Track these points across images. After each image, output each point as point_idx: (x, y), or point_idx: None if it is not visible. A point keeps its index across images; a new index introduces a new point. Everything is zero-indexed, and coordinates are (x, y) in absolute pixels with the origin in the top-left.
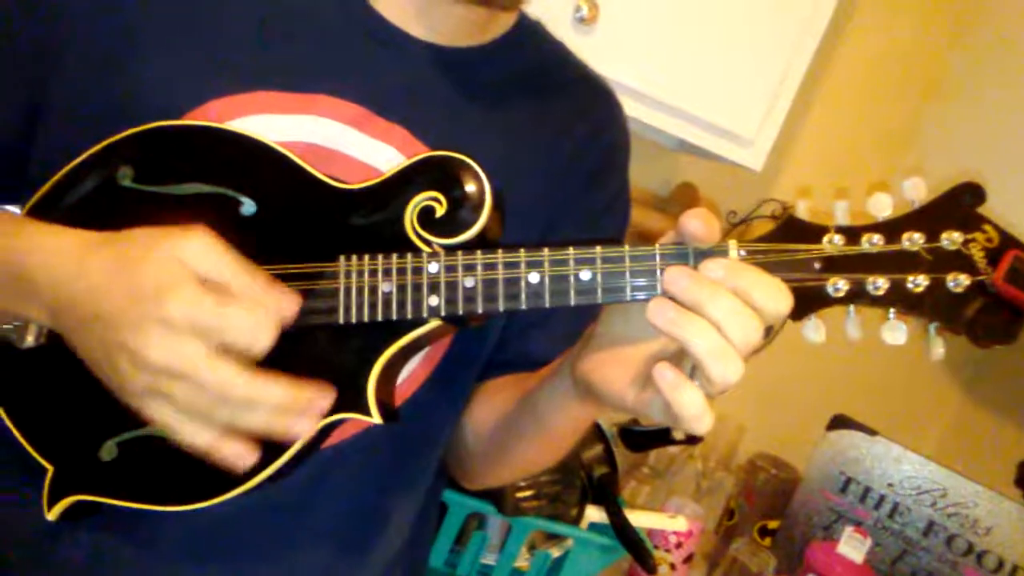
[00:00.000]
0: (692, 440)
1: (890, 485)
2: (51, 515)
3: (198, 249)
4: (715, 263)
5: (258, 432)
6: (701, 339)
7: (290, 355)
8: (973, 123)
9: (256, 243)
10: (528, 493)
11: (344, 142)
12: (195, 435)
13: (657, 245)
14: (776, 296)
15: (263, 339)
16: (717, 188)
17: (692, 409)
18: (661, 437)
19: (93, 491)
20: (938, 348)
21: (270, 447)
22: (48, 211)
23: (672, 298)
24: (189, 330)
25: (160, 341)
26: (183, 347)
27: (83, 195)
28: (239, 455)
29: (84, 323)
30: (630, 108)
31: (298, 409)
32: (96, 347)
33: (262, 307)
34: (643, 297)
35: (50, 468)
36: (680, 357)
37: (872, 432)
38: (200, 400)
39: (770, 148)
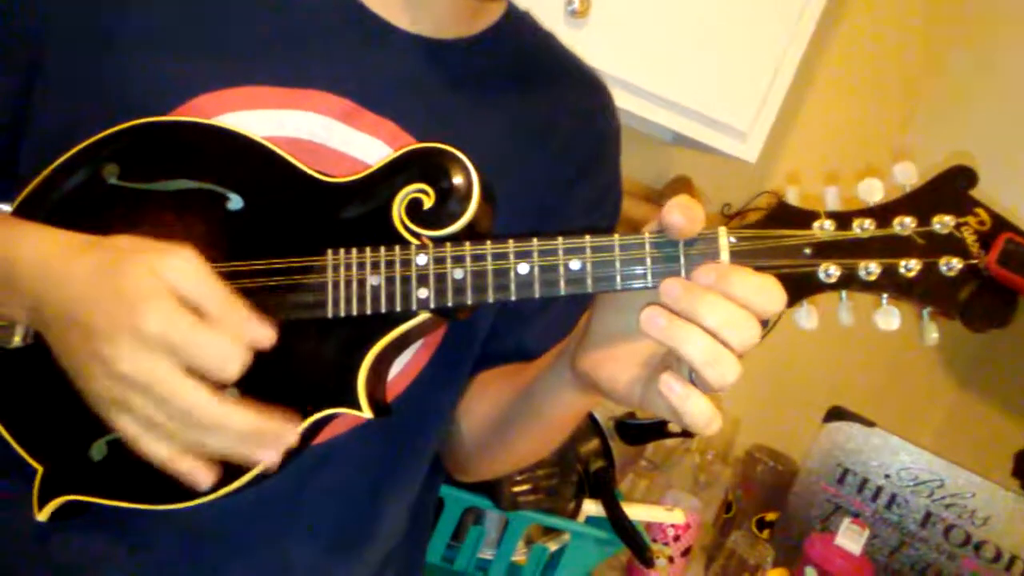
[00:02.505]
0: (689, 433)
1: (887, 476)
2: (41, 516)
3: (181, 268)
4: (706, 269)
5: (218, 455)
6: (693, 347)
7: (279, 350)
8: (966, 108)
9: (243, 238)
10: (525, 487)
11: (332, 136)
12: (154, 449)
13: (646, 233)
14: (767, 294)
15: (232, 367)
16: (712, 180)
17: (701, 417)
18: (658, 430)
19: (83, 491)
20: (932, 333)
21: None
22: (36, 209)
23: (668, 307)
24: (160, 346)
25: (131, 352)
26: (152, 361)
27: (70, 193)
28: (195, 475)
29: (61, 327)
30: (624, 101)
31: (261, 439)
32: (71, 352)
33: (236, 334)
34: (634, 286)
35: (40, 468)
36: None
37: (869, 423)
38: (161, 416)
39: (765, 140)
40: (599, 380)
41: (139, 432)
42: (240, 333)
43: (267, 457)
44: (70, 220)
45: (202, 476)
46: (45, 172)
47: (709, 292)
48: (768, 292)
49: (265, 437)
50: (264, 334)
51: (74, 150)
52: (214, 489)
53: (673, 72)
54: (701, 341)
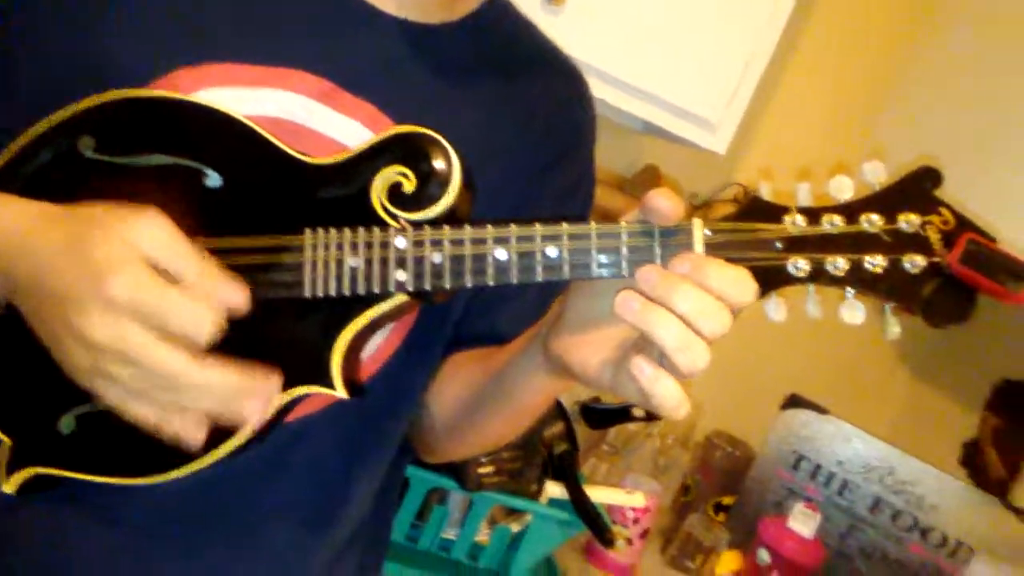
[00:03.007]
0: (651, 418)
1: (840, 463)
2: (8, 488)
3: (149, 231)
4: (682, 259)
5: (206, 415)
6: (666, 331)
7: (255, 329)
8: (933, 108)
9: (221, 216)
10: (490, 469)
11: (311, 117)
12: (140, 413)
13: (623, 223)
14: (740, 286)
15: (205, 330)
16: (681, 170)
17: (670, 400)
18: (621, 415)
19: (52, 464)
20: (894, 328)
21: None
22: (8, 180)
23: (644, 294)
24: (131, 312)
25: (102, 321)
26: (125, 329)
27: (44, 165)
28: (186, 434)
29: (34, 298)
30: (596, 90)
31: (246, 395)
32: (45, 322)
33: (208, 297)
34: (609, 274)
35: (7, 441)
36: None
37: (824, 411)
38: (143, 382)
39: (734, 132)
40: (570, 363)
41: (123, 398)
42: (212, 295)
43: (254, 413)
44: (44, 192)
45: (192, 437)
46: (19, 142)
47: (684, 281)
48: (741, 284)
49: (250, 392)
50: (236, 295)
51: (49, 121)
52: (189, 461)
53: (646, 62)
54: (674, 327)
